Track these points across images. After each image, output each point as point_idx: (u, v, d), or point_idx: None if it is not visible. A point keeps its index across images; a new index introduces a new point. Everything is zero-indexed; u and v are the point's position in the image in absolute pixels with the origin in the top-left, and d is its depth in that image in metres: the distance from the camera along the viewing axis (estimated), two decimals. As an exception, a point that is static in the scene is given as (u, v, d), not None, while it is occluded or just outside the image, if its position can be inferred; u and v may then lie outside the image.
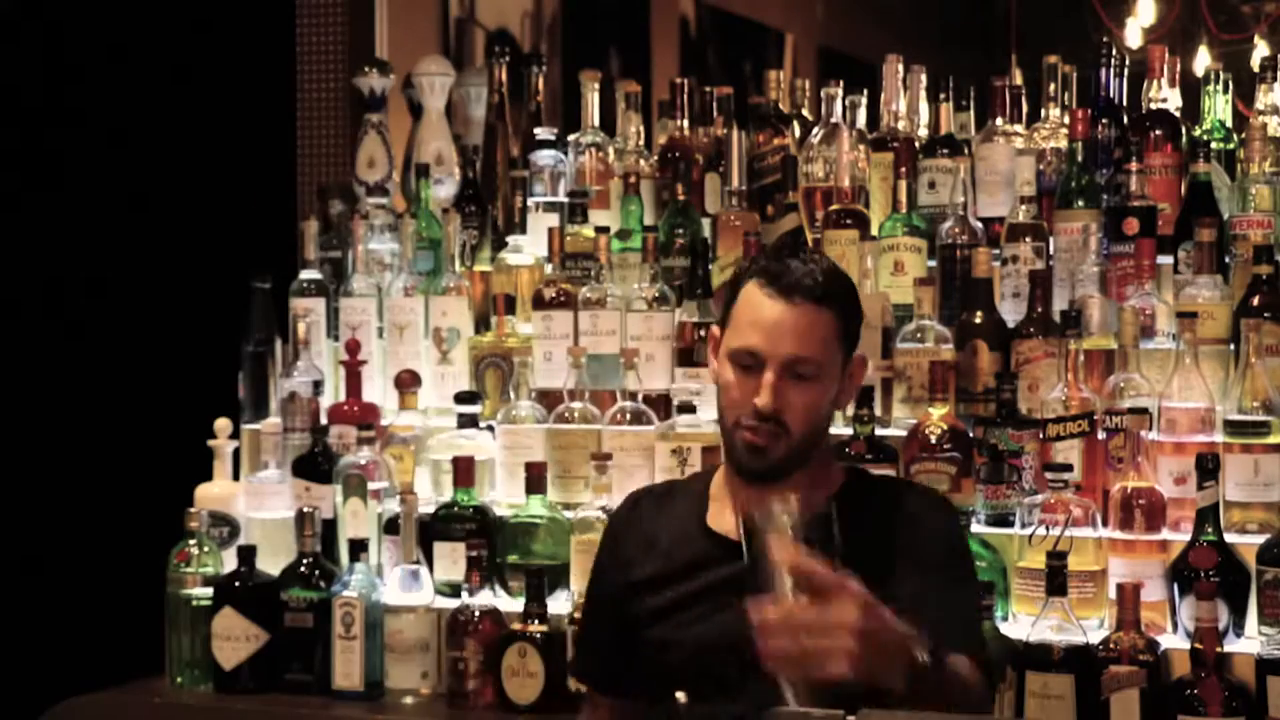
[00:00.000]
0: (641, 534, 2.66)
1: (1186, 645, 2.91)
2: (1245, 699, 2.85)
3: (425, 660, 3.34)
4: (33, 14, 4.41)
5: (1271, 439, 3.07)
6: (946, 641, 2.22)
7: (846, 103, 3.79)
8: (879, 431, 3.30)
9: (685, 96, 3.87)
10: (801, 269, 2.50)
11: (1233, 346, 3.20)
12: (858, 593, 2.04)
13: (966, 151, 3.65)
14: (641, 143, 3.92)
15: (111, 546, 4.22)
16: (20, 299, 4.39)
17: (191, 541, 3.50)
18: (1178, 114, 3.59)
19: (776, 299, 2.49)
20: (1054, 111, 3.67)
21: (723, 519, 2.58)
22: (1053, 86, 3.67)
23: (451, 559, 3.38)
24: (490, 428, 3.56)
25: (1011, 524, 3.17)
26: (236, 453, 3.71)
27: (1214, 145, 3.52)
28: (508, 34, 5.81)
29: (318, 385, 3.68)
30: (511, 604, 3.34)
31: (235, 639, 3.40)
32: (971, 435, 3.24)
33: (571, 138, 3.92)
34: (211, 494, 3.64)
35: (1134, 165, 3.39)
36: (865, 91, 3.88)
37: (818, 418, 2.52)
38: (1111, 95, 3.61)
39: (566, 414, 3.48)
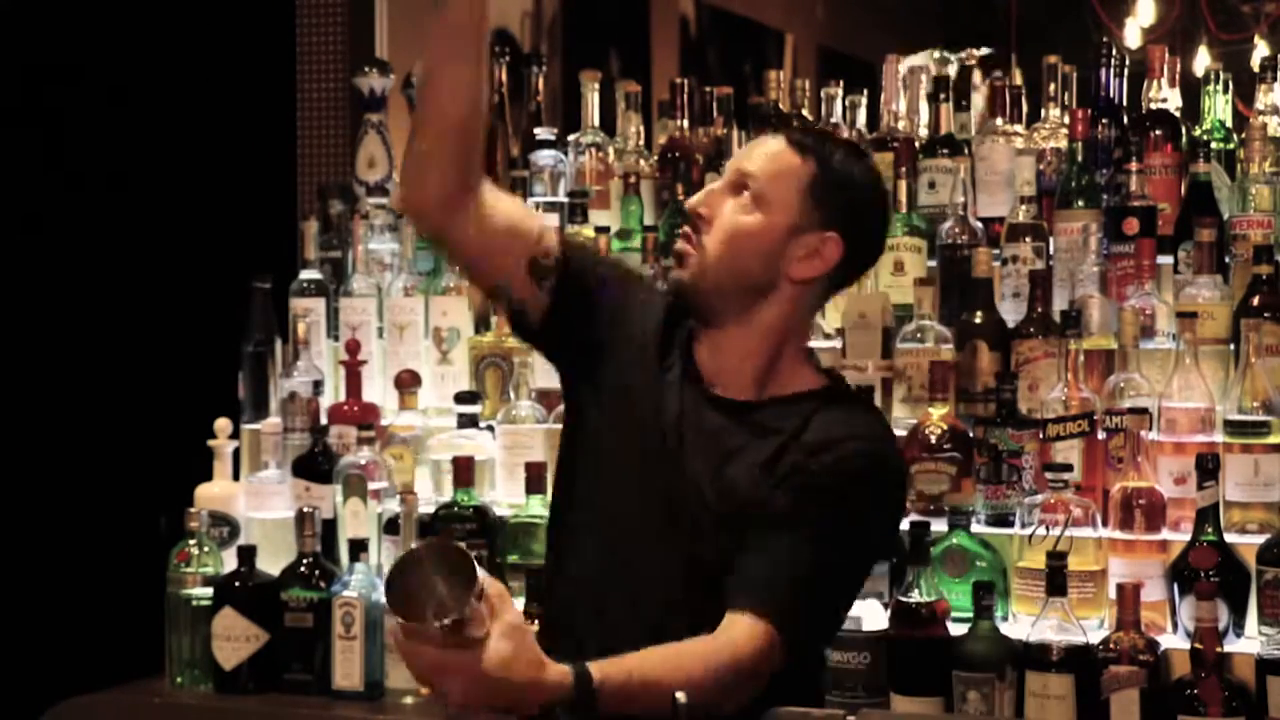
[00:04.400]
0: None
1: (1186, 645, 2.91)
2: (1245, 699, 2.85)
3: (425, 660, 3.33)
4: (32, 14, 4.41)
5: (1271, 439, 3.07)
6: (735, 592, 2.25)
7: (846, 103, 3.80)
8: (879, 431, 3.30)
9: (685, 96, 3.87)
10: (810, 125, 2.44)
11: (1233, 346, 3.20)
12: (470, 672, 2.03)
13: (966, 151, 3.65)
14: (641, 143, 3.92)
15: (111, 546, 4.22)
16: (20, 299, 4.39)
17: (191, 541, 3.50)
18: (1178, 114, 3.59)
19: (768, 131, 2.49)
20: (1054, 111, 3.67)
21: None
22: (1053, 86, 3.67)
23: (451, 559, 3.38)
24: (490, 428, 3.56)
25: (1011, 524, 3.17)
26: (236, 453, 3.71)
27: (1214, 145, 3.52)
28: (508, 34, 5.81)
29: (318, 385, 3.68)
30: (511, 604, 3.34)
31: (235, 639, 3.40)
32: (971, 435, 3.24)
33: (571, 138, 3.92)
34: (211, 494, 3.64)
35: (1134, 165, 3.39)
36: (865, 91, 3.88)
37: (739, 248, 2.37)
38: (1111, 95, 3.61)
39: (566, 414, 3.48)
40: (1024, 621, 3.03)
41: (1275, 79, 3.55)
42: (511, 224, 2.45)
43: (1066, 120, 3.56)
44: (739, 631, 2.25)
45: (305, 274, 3.84)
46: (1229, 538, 3.02)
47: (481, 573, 2.03)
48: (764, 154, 2.41)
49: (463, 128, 2.37)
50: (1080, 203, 3.43)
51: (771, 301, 2.40)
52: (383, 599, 3.36)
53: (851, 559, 2.41)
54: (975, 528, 3.18)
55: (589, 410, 2.50)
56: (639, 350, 2.47)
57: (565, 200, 3.85)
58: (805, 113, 3.90)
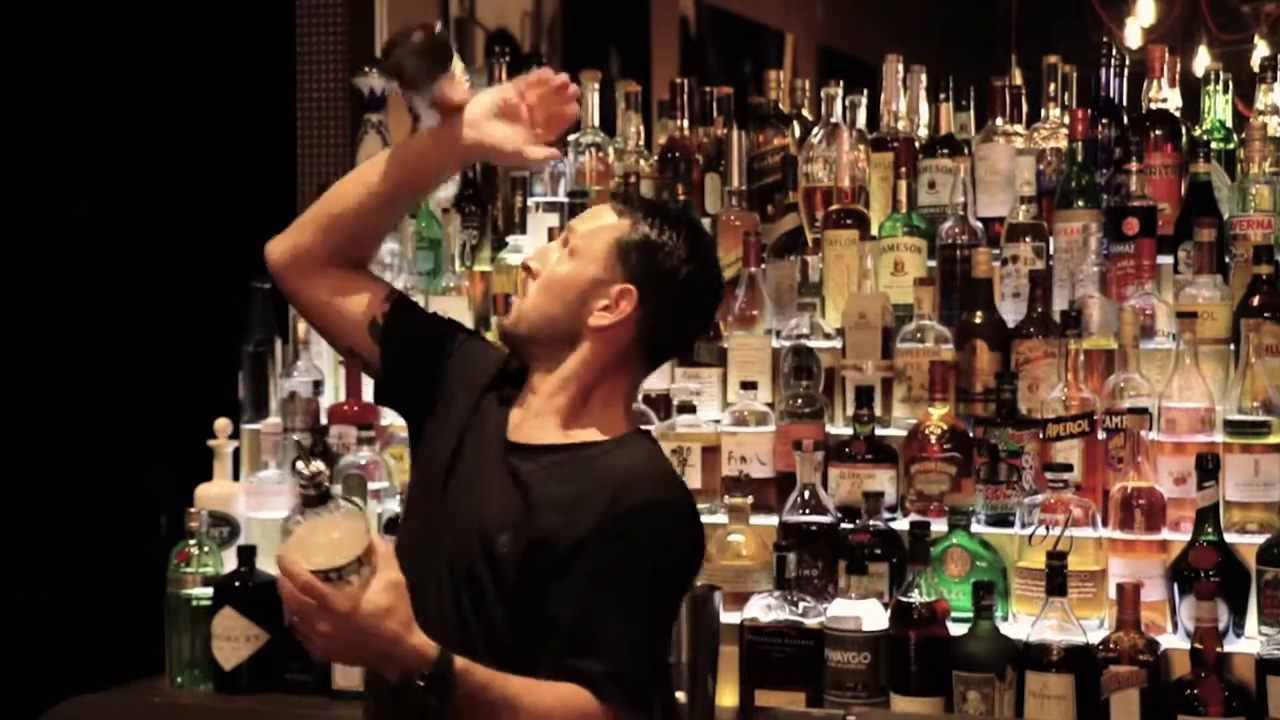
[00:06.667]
0: None
1: (1186, 645, 2.92)
2: (1245, 699, 2.86)
3: (425, 660, 3.33)
4: (32, 14, 4.41)
5: (1271, 439, 3.07)
6: (569, 651, 2.26)
7: (846, 103, 3.79)
8: (879, 431, 3.30)
9: (685, 96, 3.87)
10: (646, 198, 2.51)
11: (1233, 346, 3.20)
12: (343, 613, 2.16)
13: (966, 151, 3.65)
14: (641, 143, 3.92)
15: (111, 546, 4.22)
16: (20, 299, 4.39)
17: (191, 541, 3.50)
18: (1178, 114, 3.59)
19: None
20: (1054, 111, 3.67)
21: None
22: (1053, 86, 3.67)
23: (451, 559, 3.38)
24: (490, 428, 3.56)
25: (1011, 524, 3.17)
26: (236, 453, 3.71)
27: (1214, 145, 3.52)
28: (508, 34, 5.82)
29: (318, 385, 3.68)
30: (511, 604, 3.33)
31: (235, 639, 3.40)
32: (971, 435, 3.24)
33: (571, 138, 3.91)
34: (211, 494, 3.64)
35: (1134, 165, 3.40)
36: (865, 91, 3.88)
37: (550, 294, 2.45)
38: (1111, 95, 3.61)
39: (566, 414, 3.48)
40: (1024, 621, 3.03)
41: (1275, 79, 3.56)
42: (362, 292, 2.58)
43: (1066, 120, 3.57)
44: (583, 695, 2.27)
45: (305, 274, 3.83)
46: (1229, 538, 3.02)
47: (373, 534, 2.16)
48: (591, 213, 2.52)
49: (353, 232, 2.56)
50: (1080, 203, 3.43)
51: (576, 351, 2.46)
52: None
53: (662, 604, 2.42)
54: (975, 528, 3.18)
55: (412, 465, 2.60)
56: (458, 405, 2.54)
57: (565, 200, 3.84)
58: (805, 112, 3.91)
